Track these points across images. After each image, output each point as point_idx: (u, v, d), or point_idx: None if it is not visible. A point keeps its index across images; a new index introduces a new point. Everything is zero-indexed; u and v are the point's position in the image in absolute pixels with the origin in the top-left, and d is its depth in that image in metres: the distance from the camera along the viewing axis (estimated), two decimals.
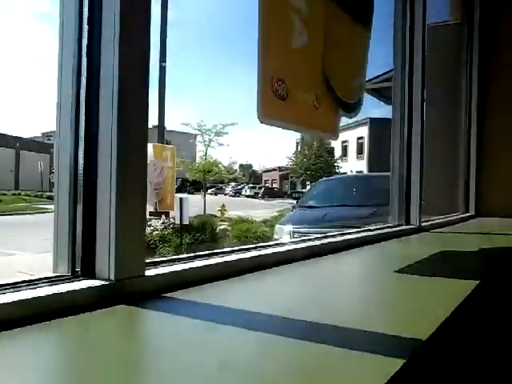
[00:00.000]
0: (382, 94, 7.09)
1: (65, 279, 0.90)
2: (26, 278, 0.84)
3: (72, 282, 0.89)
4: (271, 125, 1.65)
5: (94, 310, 0.83)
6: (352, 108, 2.20)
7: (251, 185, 30.51)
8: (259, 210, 14.99)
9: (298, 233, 7.41)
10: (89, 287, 0.86)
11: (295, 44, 1.74)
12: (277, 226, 8.80)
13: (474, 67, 3.79)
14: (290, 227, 7.83)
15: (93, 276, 0.91)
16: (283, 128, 1.76)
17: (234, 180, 25.03)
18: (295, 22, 1.73)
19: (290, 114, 1.72)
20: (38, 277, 0.87)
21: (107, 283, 0.88)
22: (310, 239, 1.66)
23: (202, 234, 9.61)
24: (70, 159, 0.93)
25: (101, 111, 0.92)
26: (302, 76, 1.81)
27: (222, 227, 11.05)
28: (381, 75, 6.92)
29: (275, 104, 1.61)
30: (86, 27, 0.94)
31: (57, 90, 0.96)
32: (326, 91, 1.95)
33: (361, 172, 21.80)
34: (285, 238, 7.57)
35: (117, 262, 0.89)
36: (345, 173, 23.87)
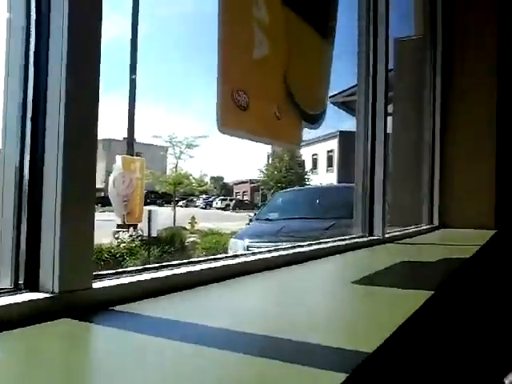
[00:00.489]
0: (351, 108, 7.21)
1: (6, 292, 0.86)
2: None
3: (14, 294, 0.85)
4: (232, 135, 1.63)
5: (35, 324, 0.79)
6: (315, 119, 2.22)
7: (222, 197, 30.42)
8: (230, 223, 14.93)
9: (254, 247, 7.28)
10: (31, 300, 0.82)
11: (256, 54, 1.74)
12: (231, 239, 8.50)
13: (438, 81, 3.88)
14: (245, 241, 7.66)
15: (36, 289, 0.87)
16: (244, 138, 1.74)
17: (205, 192, 24.92)
18: (256, 33, 1.73)
19: (251, 124, 1.72)
20: None
21: (51, 295, 0.85)
22: (264, 251, 1.64)
23: (170, 246, 9.50)
24: (15, 165, 0.90)
25: (48, 114, 0.89)
26: (264, 87, 1.81)
27: (191, 239, 10.95)
28: (349, 88, 7.05)
29: (236, 114, 1.60)
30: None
31: (3, 93, 0.93)
32: (289, 102, 1.95)
33: (330, 184, 22.00)
34: (240, 252, 7.44)
35: (61, 274, 0.86)
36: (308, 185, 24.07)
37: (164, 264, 1.18)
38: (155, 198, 18.63)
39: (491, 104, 3.68)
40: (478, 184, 3.72)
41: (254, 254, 1.55)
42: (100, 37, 0.97)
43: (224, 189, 35.27)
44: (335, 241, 2.16)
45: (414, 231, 3.24)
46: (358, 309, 1.05)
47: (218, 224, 13.94)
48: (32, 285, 0.88)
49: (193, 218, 13.95)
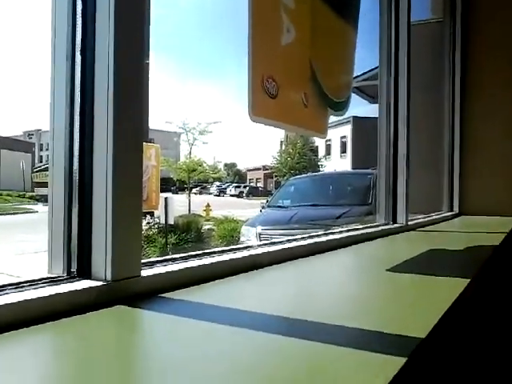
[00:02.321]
0: (366, 93, 7.14)
1: (61, 280, 0.89)
2: (23, 280, 0.83)
3: (68, 282, 0.88)
4: (262, 123, 1.65)
5: (91, 311, 0.82)
6: (340, 106, 2.22)
7: (236, 184, 30.47)
8: (244, 210, 14.98)
9: (266, 234, 7.26)
10: (86, 288, 0.85)
11: (284, 41, 1.74)
12: (243, 227, 8.40)
13: (457, 62, 3.84)
14: (257, 228, 7.58)
15: (89, 276, 0.90)
16: (274, 126, 1.75)
17: (219, 179, 24.98)
18: (283, 19, 1.73)
19: (281, 112, 1.73)
20: (34, 278, 0.86)
21: (104, 284, 0.87)
22: (295, 239, 1.66)
23: (187, 233, 9.56)
24: (64, 158, 0.92)
25: (96, 110, 0.91)
26: (292, 74, 1.81)
27: (207, 227, 11.01)
28: (364, 73, 6.97)
29: (266, 102, 1.61)
30: (79, 22, 0.93)
31: (50, 90, 0.95)
32: (315, 89, 1.95)
33: (344, 170, 21.90)
34: (252, 239, 7.42)
35: (113, 263, 0.88)
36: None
37: (206, 251, 1.21)
38: (170, 184, 18.74)
39: None
40: (498, 171, 3.70)
41: (288, 241, 1.57)
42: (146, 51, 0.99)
43: (237, 175, 35.34)
44: (362, 228, 2.17)
45: (436, 218, 3.23)
46: (400, 296, 1.06)
47: (232, 211, 13.99)
48: (84, 273, 0.91)
49: (207, 205, 14.02)
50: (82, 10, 0.92)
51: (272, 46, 1.67)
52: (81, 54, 0.92)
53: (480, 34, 3.80)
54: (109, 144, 0.89)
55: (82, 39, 0.92)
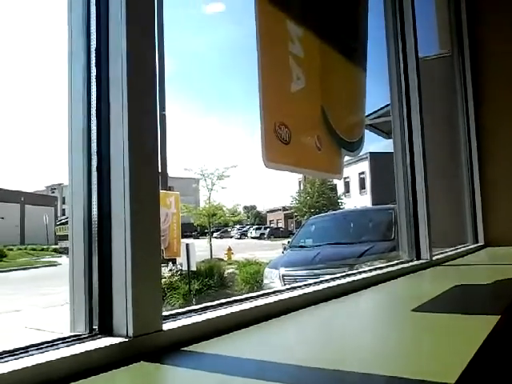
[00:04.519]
0: (379, 129, 7.18)
1: (84, 338, 0.89)
2: (49, 339, 0.84)
3: (91, 340, 0.88)
4: (277, 169, 1.67)
5: (114, 369, 0.82)
6: (354, 146, 2.23)
7: (256, 226, 30.45)
8: (266, 252, 14.90)
9: (289, 275, 7.15)
10: (108, 345, 0.85)
11: (294, 88, 1.78)
12: (266, 269, 8.20)
13: (469, 96, 3.85)
14: (280, 270, 7.43)
15: (110, 333, 0.90)
16: (288, 171, 1.77)
17: (239, 222, 25.00)
18: (293, 68, 1.77)
19: (294, 157, 1.75)
20: (59, 337, 0.87)
21: (126, 340, 0.87)
22: (316, 282, 1.64)
23: (210, 279, 9.51)
24: (83, 211, 0.94)
25: (112, 159, 0.93)
26: (303, 119, 1.85)
27: (229, 271, 10.95)
28: (377, 110, 7.04)
29: (279, 148, 1.64)
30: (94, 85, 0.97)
31: (68, 145, 0.98)
32: (328, 132, 1.98)
33: (364, 206, 21.75)
34: (276, 281, 7.32)
35: (134, 318, 0.89)
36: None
37: (227, 300, 1.20)
38: (191, 230, 18.82)
39: None
40: None
41: (309, 285, 1.55)
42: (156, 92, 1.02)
43: (257, 217, 35.33)
44: (385, 267, 2.14)
45: (461, 251, 3.17)
46: (426, 338, 1.03)
47: (254, 253, 13.92)
48: (106, 330, 0.91)
49: (229, 248, 13.99)
50: (97, 74, 0.96)
51: (282, 94, 1.71)
52: (96, 110, 0.96)
53: (489, 65, 3.82)
54: (126, 195, 0.90)
55: (96, 96, 0.96)
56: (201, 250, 12.63)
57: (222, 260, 13.03)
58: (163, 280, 8.85)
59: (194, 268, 9.24)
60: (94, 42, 0.96)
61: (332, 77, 2.09)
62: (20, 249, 15.85)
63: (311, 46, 1.90)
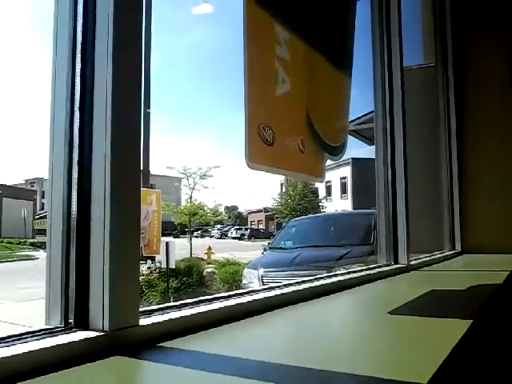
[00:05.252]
0: (363, 135, 7.25)
1: (58, 331, 0.88)
2: (23, 331, 0.83)
3: (66, 333, 0.88)
4: (259, 170, 1.68)
5: (89, 362, 0.81)
6: (337, 150, 2.26)
7: (237, 226, 30.46)
8: (246, 252, 14.91)
9: (268, 276, 7.20)
10: (83, 339, 0.85)
11: (279, 91, 1.79)
12: (245, 269, 8.31)
13: (452, 108, 3.91)
14: (259, 271, 7.52)
15: (86, 327, 0.90)
16: (271, 172, 1.79)
17: (220, 222, 24.97)
18: (279, 70, 1.79)
19: (277, 159, 1.76)
20: (33, 329, 0.86)
21: (102, 334, 0.87)
22: (296, 282, 1.65)
23: (188, 277, 9.49)
24: (62, 204, 0.93)
25: (94, 155, 0.93)
26: (288, 122, 1.86)
27: (208, 270, 10.93)
28: (361, 116, 7.11)
29: (262, 149, 1.65)
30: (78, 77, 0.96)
31: (49, 138, 0.97)
32: (311, 135, 2.00)
33: (344, 210, 21.91)
34: (254, 282, 7.35)
35: (111, 312, 0.88)
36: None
37: (206, 298, 1.21)
38: (171, 228, 18.72)
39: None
40: (498, 208, 3.70)
41: (286, 285, 1.56)
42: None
43: (238, 218, 35.34)
44: (363, 270, 2.16)
45: (438, 257, 3.22)
46: (401, 339, 1.05)
47: (234, 253, 13.91)
48: (82, 323, 0.91)
49: (209, 248, 13.97)
50: (82, 61, 0.95)
51: (268, 96, 1.72)
52: (79, 110, 0.95)
53: (472, 76, 3.89)
54: (106, 190, 0.90)
55: (80, 94, 0.95)
56: (181, 248, 12.59)
57: (202, 259, 13.00)
58: (141, 277, 8.79)
59: (172, 266, 9.21)
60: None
61: (317, 81, 2.11)
62: None
63: (297, 50, 1.91)
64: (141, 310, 1.00)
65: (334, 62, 2.23)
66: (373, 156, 2.83)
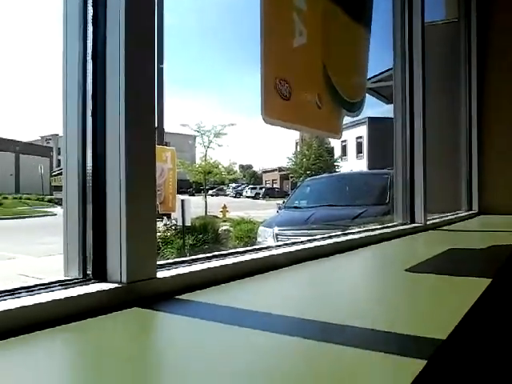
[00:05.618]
0: (381, 94, 7.08)
1: (77, 282, 0.89)
2: (39, 282, 0.84)
3: (84, 285, 0.89)
4: (275, 125, 1.64)
5: (107, 313, 0.82)
6: (355, 107, 2.20)
7: (252, 185, 30.51)
8: (260, 211, 14.98)
9: (283, 235, 7.23)
10: (101, 290, 0.86)
11: (296, 43, 1.74)
12: (260, 227, 8.34)
13: (473, 63, 3.79)
14: (274, 229, 7.52)
15: (104, 279, 0.91)
16: (286, 128, 1.75)
17: (235, 181, 25.03)
18: (296, 22, 1.72)
19: (294, 114, 1.72)
20: (50, 280, 0.87)
21: (120, 286, 0.88)
22: (315, 239, 1.66)
23: (204, 235, 9.60)
24: (77, 160, 0.93)
25: (108, 110, 0.91)
26: (305, 76, 1.81)
27: (223, 228, 11.04)
28: (378, 74, 6.92)
29: (279, 104, 1.61)
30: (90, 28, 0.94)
31: (62, 95, 0.96)
32: (329, 91, 1.94)
33: (360, 170, 21.76)
34: (269, 240, 7.40)
35: (129, 264, 0.89)
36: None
37: (221, 253, 1.21)
38: (186, 186, 18.84)
39: None
40: None
41: (309, 241, 1.56)
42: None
43: (253, 177, 35.37)
44: (379, 228, 2.15)
45: (455, 218, 3.19)
46: (419, 297, 1.05)
47: (249, 212, 13.99)
48: (100, 275, 0.91)
49: (224, 206, 14.05)
50: (93, 16, 0.92)
51: (284, 49, 1.67)
52: (92, 60, 0.93)
53: (497, 32, 3.74)
54: (121, 147, 0.89)
55: (93, 45, 0.93)
56: (196, 206, 12.67)
57: (217, 217, 13.10)
58: (158, 234, 8.90)
59: (188, 223, 9.30)
60: None
61: (335, 34, 2.03)
62: (15, 198, 15.85)
63: (315, 1, 1.84)
64: (159, 263, 1.01)
65: (352, 14, 2.14)
66: (390, 115, 2.77)
